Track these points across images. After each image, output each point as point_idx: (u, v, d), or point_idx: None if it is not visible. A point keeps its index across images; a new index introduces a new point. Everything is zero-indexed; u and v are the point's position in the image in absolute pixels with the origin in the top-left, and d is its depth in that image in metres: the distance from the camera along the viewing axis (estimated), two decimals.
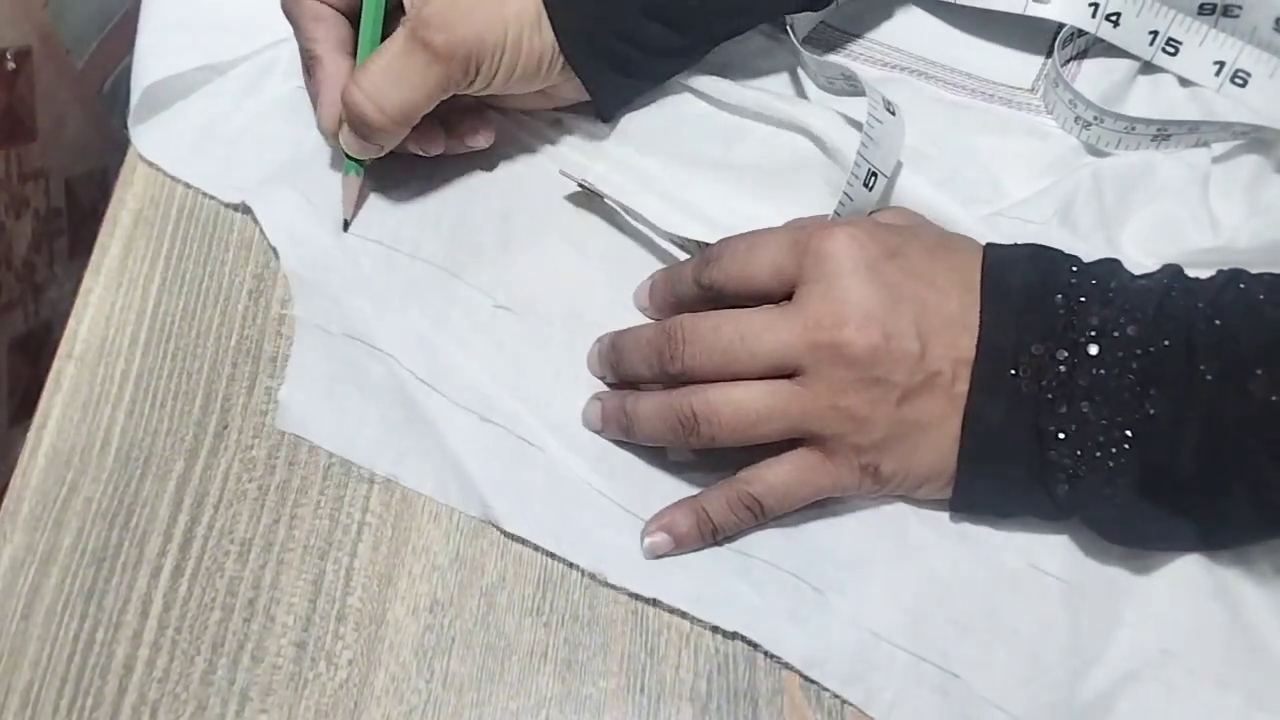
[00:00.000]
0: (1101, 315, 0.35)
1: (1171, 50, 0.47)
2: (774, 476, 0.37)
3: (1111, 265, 0.37)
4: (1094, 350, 0.35)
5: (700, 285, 0.39)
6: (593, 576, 0.38)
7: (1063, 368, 0.35)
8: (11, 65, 0.52)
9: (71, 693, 0.36)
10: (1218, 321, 0.34)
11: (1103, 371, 0.35)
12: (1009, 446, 0.36)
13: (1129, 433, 0.35)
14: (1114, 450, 0.35)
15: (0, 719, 0.35)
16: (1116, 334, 0.35)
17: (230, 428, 0.40)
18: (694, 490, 0.39)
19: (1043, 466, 0.36)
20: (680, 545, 0.38)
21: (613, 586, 0.38)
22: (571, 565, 0.38)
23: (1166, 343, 0.34)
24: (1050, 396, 0.35)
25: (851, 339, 0.35)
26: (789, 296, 0.37)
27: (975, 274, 0.37)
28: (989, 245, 0.38)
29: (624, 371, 0.40)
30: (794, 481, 0.37)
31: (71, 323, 0.42)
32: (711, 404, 0.36)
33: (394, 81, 0.39)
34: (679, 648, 0.37)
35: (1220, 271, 0.36)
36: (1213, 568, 0.38)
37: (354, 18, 0.42)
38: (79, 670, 0.36)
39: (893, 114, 0.43)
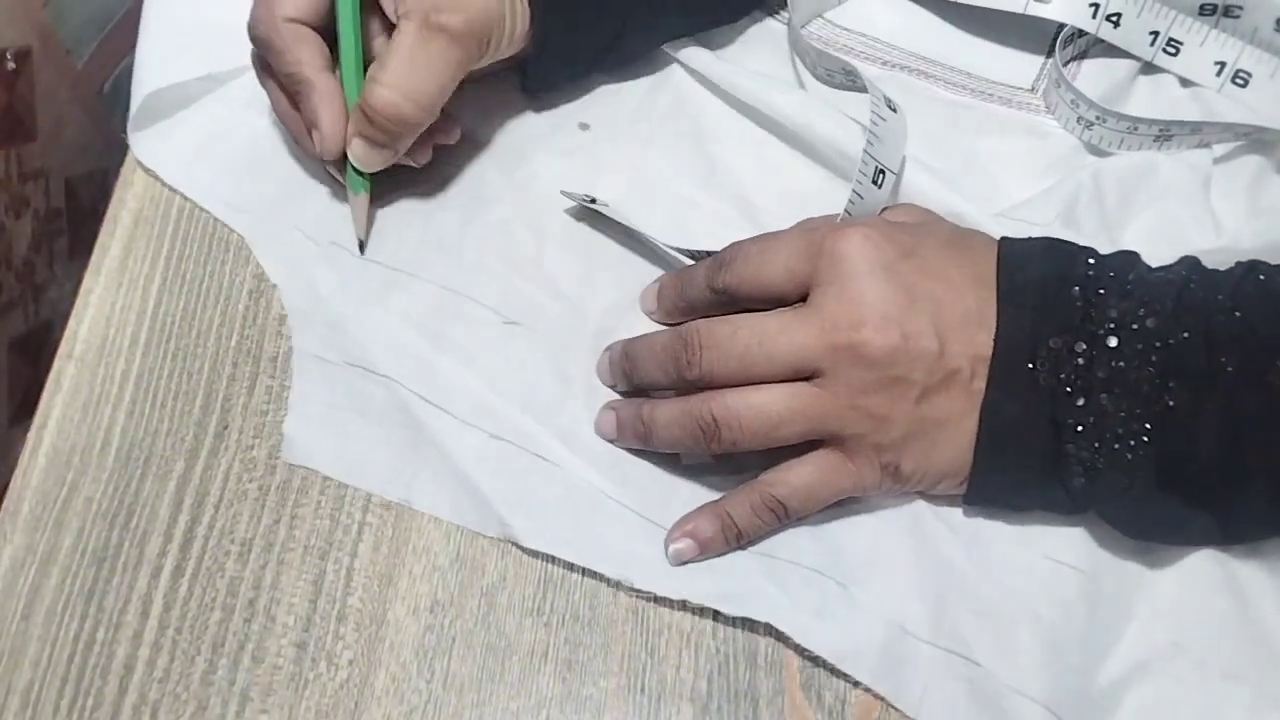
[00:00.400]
0: (1120, 307, 0.35)
1: (1172, 51, 0.47)
2: (796, 478, 0.37)
3: (1129, 257, 0.37)
4: (1113, 342, 0.35)
5: (713, 289, 0.39)
6: (619, 584, 0.38)
7: (1081, 360, 0.35)
8: (11, 65, 0.52)
9: (72, 693, 0.36)
10: (1237, 313, 0.34)
11: (1122, 364, 0.34)
12: (1026, 440, 0.36)
13: (1148, 425, 0.34)
14: (1132, 443, 0.35)
15: (0, 719, 0.35)
16: (1136, 326, 0.35)
17: (230, 428, 0.40)
18: (711, 494, 0.39)
19: (1059, 459, 0.36)
20: (705, 551, 0.37)
21: (638, 591, 0.37)
22: (572, 565, 0.38)
23: (1186, 335, 0.34)
24: (1069, 389, 0.35)
25: (870, 340, 0.35)
26: (803, 298, 0.37)
27: (990, 269, 0.37)
28: (1004, 239, 0.38)
29: (638, 379, 0.39)
30: (816, 483, 0.37)
31: (71, 323, 0.42)
32: (731, 409, 0.36)
33: (420, 72, 0.38)
34: (679, 648, 0.37)
35: (1239, 263, 0.36)
36: (1224, 560, 0.38)
37: (324, 34, 0.41)
38: (79, 670, 0.36)
39: (894, 111, 0.42)
